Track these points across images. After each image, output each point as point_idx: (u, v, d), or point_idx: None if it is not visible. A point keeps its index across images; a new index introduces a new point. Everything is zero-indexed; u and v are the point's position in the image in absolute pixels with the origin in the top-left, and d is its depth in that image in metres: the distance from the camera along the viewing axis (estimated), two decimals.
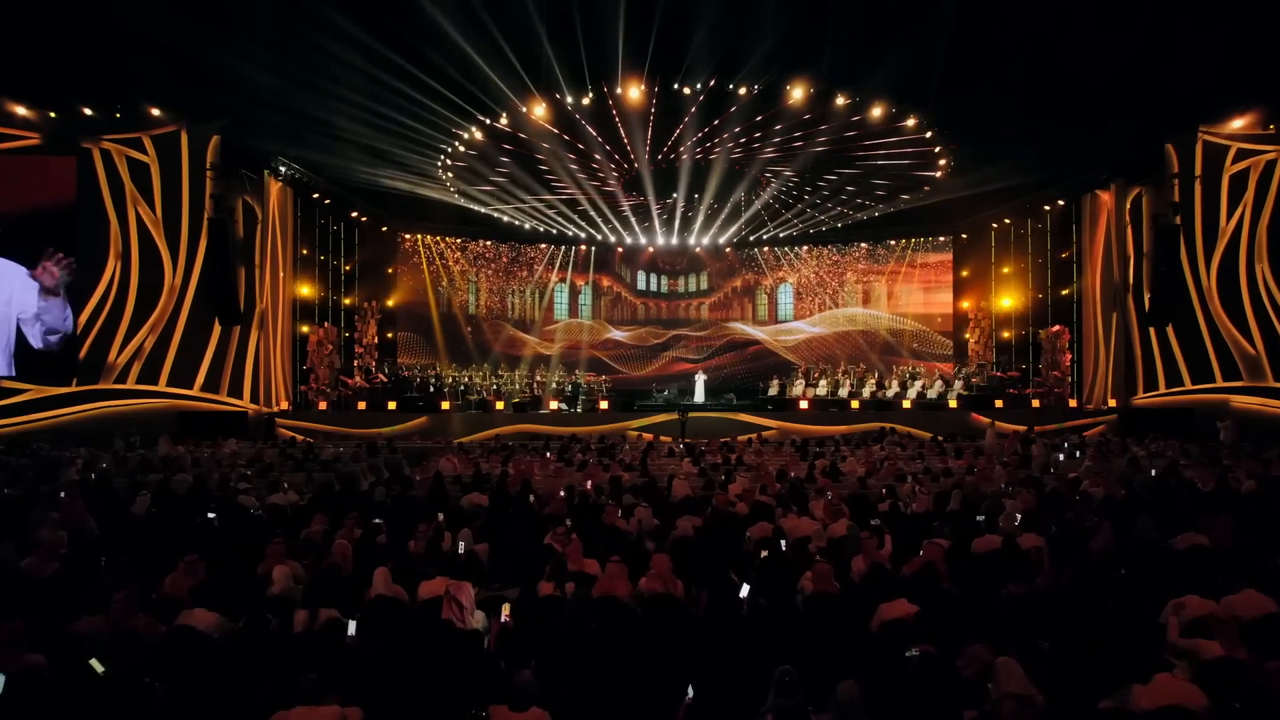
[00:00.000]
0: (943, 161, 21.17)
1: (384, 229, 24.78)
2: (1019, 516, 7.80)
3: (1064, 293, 22.98)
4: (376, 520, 7.17)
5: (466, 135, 19.19)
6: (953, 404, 21.36)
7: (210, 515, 8.52)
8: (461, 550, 6.51)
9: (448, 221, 26.01)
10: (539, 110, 17.88)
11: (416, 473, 11.81)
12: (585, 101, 17.49)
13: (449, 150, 20.10)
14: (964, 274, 26.24)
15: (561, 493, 9.01)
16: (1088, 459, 13.42)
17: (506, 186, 22.27)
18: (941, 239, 26.66)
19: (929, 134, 19.25)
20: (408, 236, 25.79)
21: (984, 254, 25.85)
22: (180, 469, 11.61)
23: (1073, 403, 21.38)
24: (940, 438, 16.97)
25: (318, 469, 12.07)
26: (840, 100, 17.45)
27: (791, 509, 8.20)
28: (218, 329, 19.74)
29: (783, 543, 6.64)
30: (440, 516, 7.74)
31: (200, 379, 19.72)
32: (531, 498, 8.89)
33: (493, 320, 27.18)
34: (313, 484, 10.89)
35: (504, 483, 9.84)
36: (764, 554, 6.00)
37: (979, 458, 13.13)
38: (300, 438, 19.26)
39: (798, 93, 17.23)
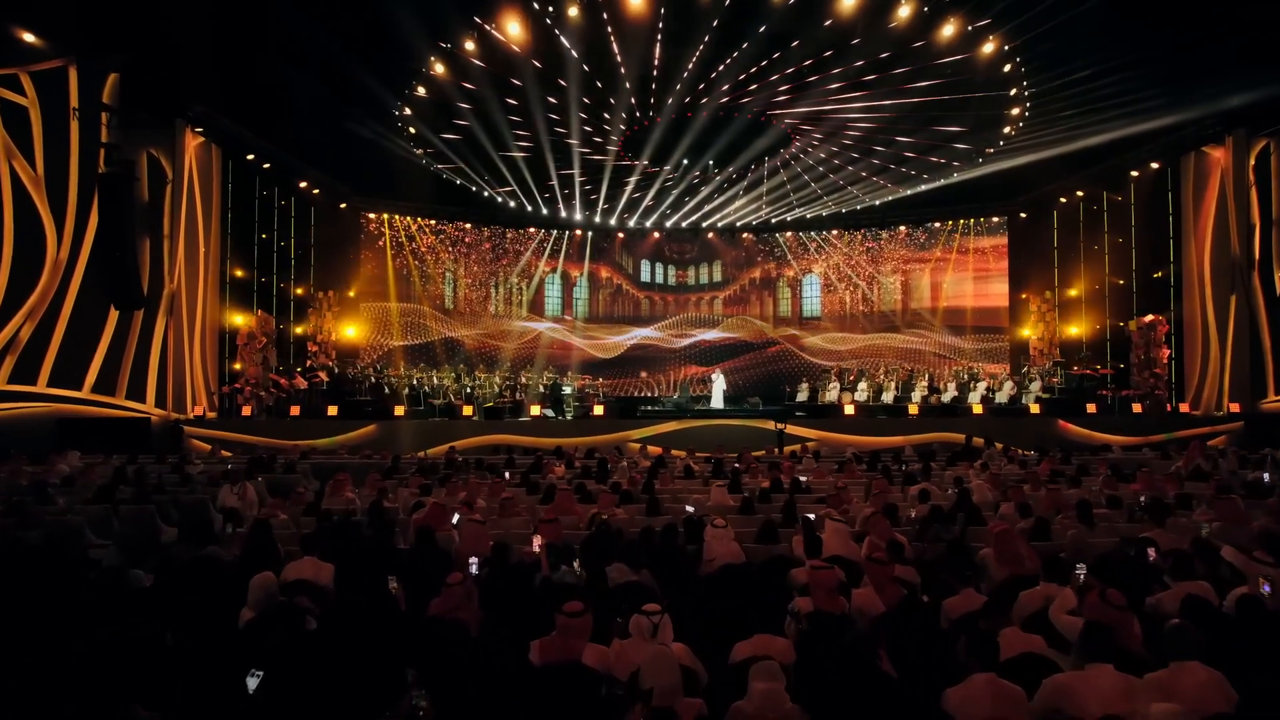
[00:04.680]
0: (1015, 111, 16.48)
1: (342, 206, 20.10)
2: None
3: (1156, 275, 18.19)
4: None
5: (426, 70, 14.58)
6: (1034, 409, 16.47)
7: None
8: None
9: (420, 200, 21.36)
10: (513, 28, 13.27)
11: (279, 506, 6.99)
12: (573, 13, 12.88)
13: (408, 95, 15.51)
14: (1022, 259, 21.42)
15: (472, 565, 4.16)
16: None
17: (474, 147, 17.57)
18: (995, 220, 21.90)
19: (1007, 67, 14.57)
20: (372, 216, 21.12)
21: (1046, 235, 21.05)
22: None
23: (1183, 407, 16.46)
24: (1054, 453, 12.07)
25: (129, 500, 7.26)
26: (905, 9, 12.79)
27: (1004, 616, 3.34)
28: (114, 315, 15.05)
29: None
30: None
31: (91, 378, 14.97)
32: (393, 585, 3.95)
33: (471, 314, 22.43)
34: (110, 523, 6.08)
35: (387, 533, 5.03)
36: None
37: (1164, 475, 8.18)
38: (209, 449, 14.55)
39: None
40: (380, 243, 21.16)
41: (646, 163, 18.92)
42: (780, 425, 13.33)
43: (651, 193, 20.68)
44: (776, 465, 9.44)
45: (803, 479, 8.12)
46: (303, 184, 18.61)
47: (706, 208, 21.71)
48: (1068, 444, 14.99)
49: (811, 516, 6.25)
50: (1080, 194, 19.57)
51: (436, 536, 5.01)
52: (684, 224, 23.22)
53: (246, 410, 15.80)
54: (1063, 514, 6.55)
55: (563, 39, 13.65)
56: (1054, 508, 6.46)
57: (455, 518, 6.29)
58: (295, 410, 15.88)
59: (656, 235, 23.64)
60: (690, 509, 6.30)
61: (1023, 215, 21.28)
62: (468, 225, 22.37)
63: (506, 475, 9.00)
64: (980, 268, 21.91)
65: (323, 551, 4.44)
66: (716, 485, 7.42)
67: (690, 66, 14.70)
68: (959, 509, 6.70)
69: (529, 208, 21.99)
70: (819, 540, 4.45)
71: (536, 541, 4.38)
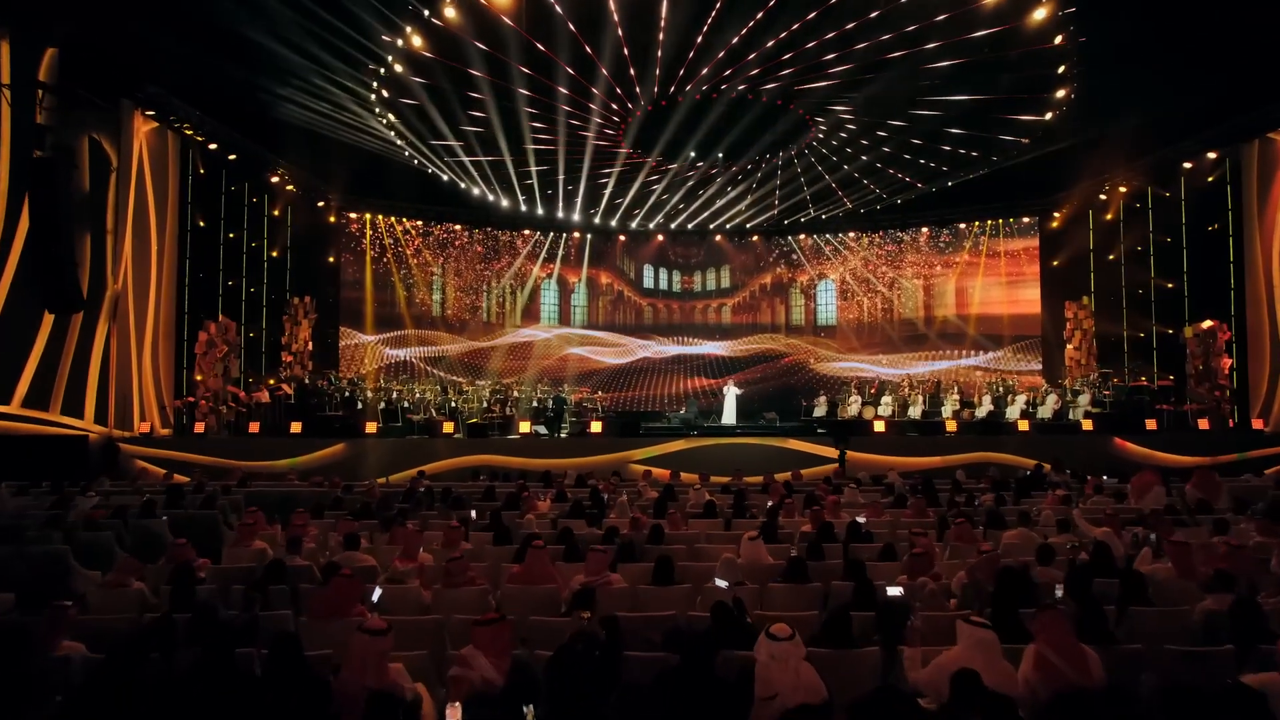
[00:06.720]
0: (1060, 94, 14.53)
1: (321, 204, 18.13)
2: None
3: (1212, 278, 16.16)
4: None
5: (401, 43, 12.65)
6: (1086, 425, 14.39)
7: None
8: None
9: (405, 199, 19.42)
10: None
11: (132, 570, 4.95)
12: None
13: (382, 74, 13.58)
14: (1056, 261, 19.37)
15: None
16: None
17: (456, 130, 15.59)
18: (1025, 220, 19.90)
19: (1059, 38, 12.62)
20: (353, 215, 19.16)
21: (1082, 235, 19.05)
22: None
23: (1255, 423, 14.36)
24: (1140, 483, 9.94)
25: None
26: None
27: None
28: (49, 320, 13.04)
29: None
30: None
31: (21, 390, 12.88)
32: None
33: (460, 322, 20.41)
34: None
35: (244, 636, 3.00)
36: None
37: None
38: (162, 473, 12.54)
39: None
40: (362, 244, 19.19)
41: (657, 157, 16.95)
42: (843, 446, 11.18)
43: (660, 188, 18.71)
44: (814, 499, 7.36)
45: (860, 520, 6.05)
46: (275, 179, 16.64)
47: (718, 203, 19.70)
48: (1131, 466, 12.92)
49: (896, 593, 4.17)
50: (1123, 189, 17.57)
51: (313, 650, 2.96)
52: (690, 225, 21.24)
53: (199, 427, 13.75)
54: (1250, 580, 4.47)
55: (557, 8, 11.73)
56: (1246, 575, 4.38)
57: (377, 594, 4.24)
58: (254, 427, 13.82)
59: (660, 238, 21.65)
60: (722, 584, 4.25)
61: (1056, 214, 19.26)
62: (457, 227, 20.42)
63: (473, 514, 6.94)
64: (1011, 271, 19.88)
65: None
66: (748, 537, 5.33)
67: (699, 40, 12.79)
68: (1095, 573, 4.63)
69: (523, 208, 20.02)
70: (974, 681, 2.40)
71: (481, 675, 2.24)
